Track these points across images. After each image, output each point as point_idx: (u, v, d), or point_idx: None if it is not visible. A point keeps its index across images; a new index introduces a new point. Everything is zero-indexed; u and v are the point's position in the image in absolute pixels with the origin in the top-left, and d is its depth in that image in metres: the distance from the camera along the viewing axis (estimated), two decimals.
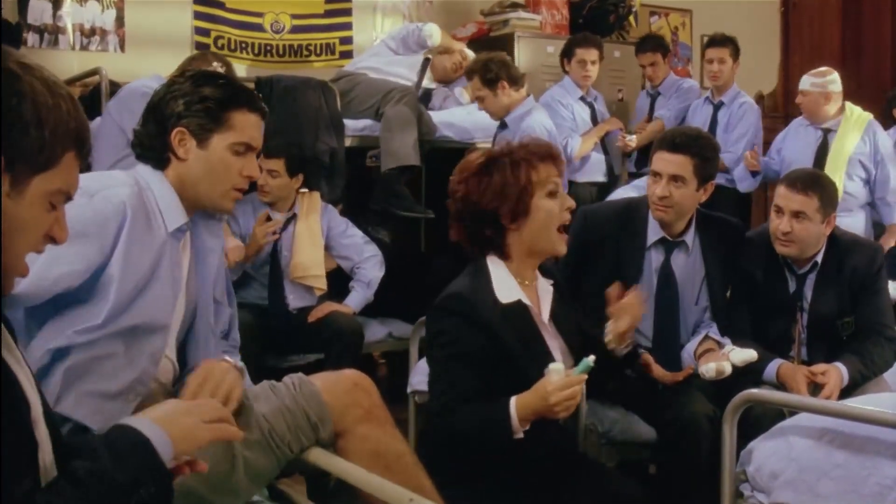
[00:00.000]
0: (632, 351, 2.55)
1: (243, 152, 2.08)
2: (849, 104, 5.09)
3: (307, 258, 4.27)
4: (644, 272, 3.09)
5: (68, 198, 1.27)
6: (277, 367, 3.97)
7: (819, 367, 2.94)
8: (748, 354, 2.88)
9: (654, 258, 3.10)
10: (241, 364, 2.22)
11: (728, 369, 2.86)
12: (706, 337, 3.07)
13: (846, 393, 2.91)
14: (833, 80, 5.03)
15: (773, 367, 2.99)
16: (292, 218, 4.30)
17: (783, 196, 3.06)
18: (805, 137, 5.17)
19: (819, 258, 3.11)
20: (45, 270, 1.86)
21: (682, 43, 7.37)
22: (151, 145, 2.07)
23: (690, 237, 3.12)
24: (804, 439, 2.39)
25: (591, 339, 2.47)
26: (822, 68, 5.15)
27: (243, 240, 4.19)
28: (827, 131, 5.06)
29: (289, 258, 4.24)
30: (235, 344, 2.38)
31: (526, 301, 2.32)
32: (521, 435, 2.14)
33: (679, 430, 2.80)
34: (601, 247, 3.11)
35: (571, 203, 2.36)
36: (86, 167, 1.41)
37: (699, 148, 3.00)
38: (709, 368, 2.84)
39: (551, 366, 2.10)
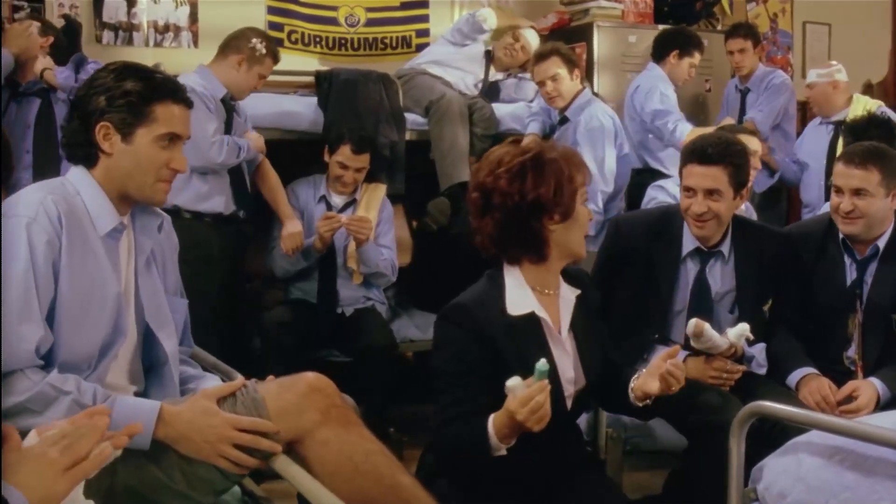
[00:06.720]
0: (648, 407, 2.35)
1: (168, 145, 2.08)
2: (856, 94, 4.98)
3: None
4: (679, 282, 2.97)
5: None
6: (308, 359, 3.92)
7: (847, 389, 2.76)
8: (741, 329, 2.70)
9: (690, 268, 2.98)
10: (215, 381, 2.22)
11: (720, 341, 2.71)
12: None
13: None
14: (839, 69, 5.04)
15: (797, 375, 2.82)
16: (352, 202, 4.30)
17: (841, 174, 2.89)
18: (818, 135, 5.05)
19: (882, 242, 2.90)
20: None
21: (783, 31, 7.02)
22: (77, 142, 2.07)
23: (727, 246, 2.98)
24: (814, 457, 2.20)
25: (612, 365, 2.39)
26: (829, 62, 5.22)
27: (302, 215, 4.19)
28: (838, 124, 4.82)
29: (344, 244, 4.18)
30: (189, 348, 2.35)
31: (541, 313, 2.24)
32: (502, 452, 2.07)
33: (709, 435, 2.60)
34: (633, 257, 2.99)
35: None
36: None
37: (731, 156, 2.86)
38: (689, 324, 2.69)
39: (508, 382, 1.97)
